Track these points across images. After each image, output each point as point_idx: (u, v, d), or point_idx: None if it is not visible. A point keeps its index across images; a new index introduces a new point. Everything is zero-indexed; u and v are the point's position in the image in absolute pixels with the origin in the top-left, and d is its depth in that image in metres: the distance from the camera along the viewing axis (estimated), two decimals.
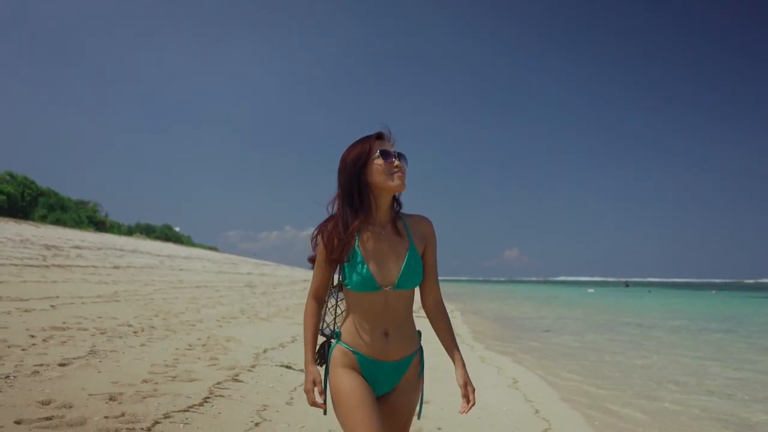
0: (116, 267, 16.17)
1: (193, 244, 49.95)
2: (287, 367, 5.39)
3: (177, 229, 51.55)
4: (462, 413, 1.71)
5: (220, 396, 3.97)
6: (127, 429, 2.97)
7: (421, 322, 2.12)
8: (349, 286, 1.74)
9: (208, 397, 3.87)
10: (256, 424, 3.44)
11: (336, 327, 1.85)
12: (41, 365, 4.15)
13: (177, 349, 5.57)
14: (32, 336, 5.23)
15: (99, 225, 37.76)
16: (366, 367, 1.73)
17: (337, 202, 1.78)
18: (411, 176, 1.80)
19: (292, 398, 4.21)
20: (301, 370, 5.31)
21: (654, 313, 23.02)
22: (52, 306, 7.25)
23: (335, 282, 1.86)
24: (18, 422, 2.90)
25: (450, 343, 1.83)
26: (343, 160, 1.76)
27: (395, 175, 1.73)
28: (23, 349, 4.62)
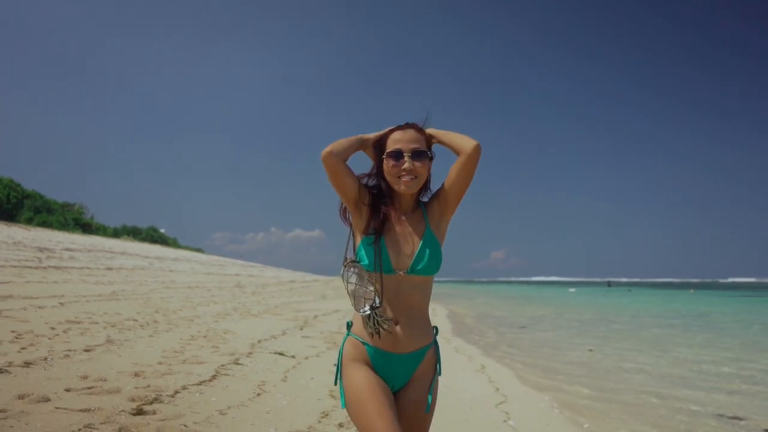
0: (109, 268, 16.69)
1: (179, 245, 50.20)
2: (280, 354, 6.11)
3: (162, 230, 51.73)
4: None
5: (225, 375, 4.68)
6: (155, 394, 3.69)
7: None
8: (364, 266, 1.72)
9: (215, 375, 4.58)
10: (258, 395, 4.17)
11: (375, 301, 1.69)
12: (69, 350, 4.83)
13: (182, 339, 6.26)
14: (53, 328, 5.88)
15: (85, 227, 37.90)
16: (377, 360, 1.69)
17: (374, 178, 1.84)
18: None
19: (286, 377, 4.94)
20: (293, 357, 6.04)
21: (624, 311, 24.10)
22: (60, 303, 7.88)
23: (348, 258, 1.79)
24: (67, 390, 3.59)
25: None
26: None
27: (401, 180, 1.72)
28: (49, 338, 5.29)
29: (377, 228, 1.72)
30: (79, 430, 2.88)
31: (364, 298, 1.68)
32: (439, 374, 1.80)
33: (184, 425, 3.17)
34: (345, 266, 1.74)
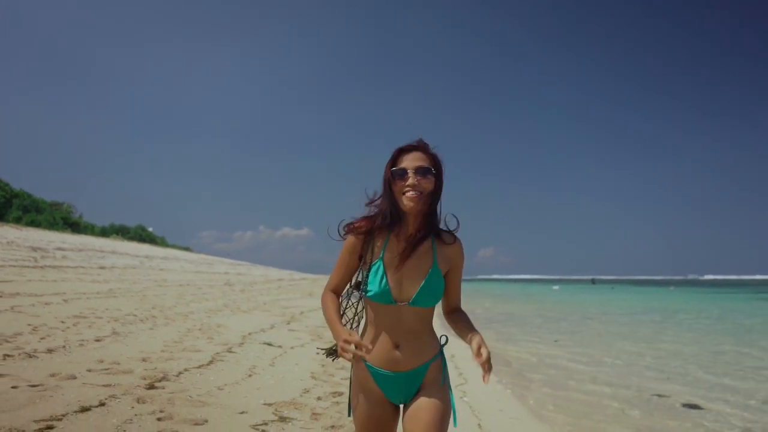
0: (102, 267, 17.22)
1: (167, 244, 50.49)
2: (268, 344, 6.81)
3: (150, 229, 51.97)
4: (484, 383, 1.66)
5: (221, 360, 5.39)
6: (163, 375, 4.39)
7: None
8: (367, 294, 1.77)
9: (212, 361, 5.29)
10: (249, 376, 4.88)
11: (354, 325, 1.86)
12: (82, 340, 5.51)
13: (179, 332, 6.94)
14: (62, 322, 6.53)
15: (73, 226, 38.14)
16: (379, 380, 1.76)
17: (381, 202, 1.81)
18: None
19: (273, 362, 5.66)
20: (280, 346, 6.74)
21: (599, 308, 25.11)
22: (64, 300, 8.50)
23: (353, 281, 1.88)
24: (89, 371, 4.28)
25: (468, 327, 1.79)
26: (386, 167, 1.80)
27: (406, 195, 1.73)
28: (62, 330, 5.95)
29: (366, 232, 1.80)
30: (106, 398, 3.58)
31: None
32: (449, 384, 1.82)
33: (190, 396, 3.88)
34: (347, 290, 1.86)
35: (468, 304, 25.37)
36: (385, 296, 1.72)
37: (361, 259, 1.83)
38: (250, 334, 7.50)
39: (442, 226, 1.84)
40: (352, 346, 1.56)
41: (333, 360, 1.94)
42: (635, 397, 6.08)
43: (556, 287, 72.08)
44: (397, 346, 1.74)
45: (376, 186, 1.83)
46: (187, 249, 53.18)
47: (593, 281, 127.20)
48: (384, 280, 1.72)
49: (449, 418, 1.74)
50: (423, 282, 1.73)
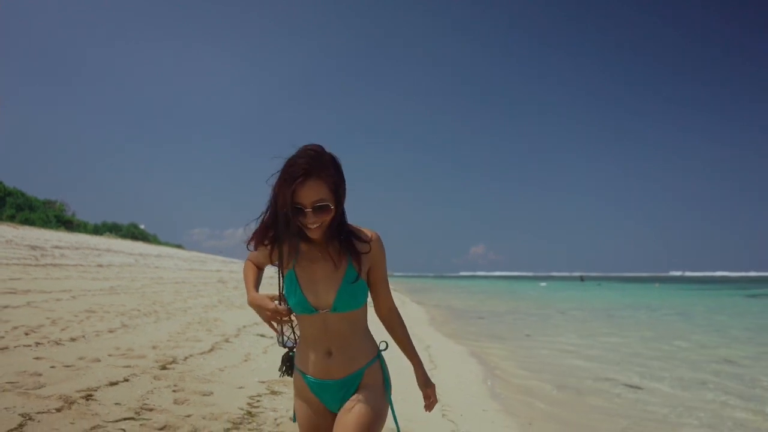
0: (100, 265, 17.88)
1: (159, 242, 50.92)
2: (261, 335, 7.61)
3: (142, 227, 52.39)
4: (427, 411, 1.83)
5: (220, 349, 6.18)
6: (172, 359, 5.18)
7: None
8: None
9: (212, 349, 6.07)
10: (245, 360, 5.68)
11: (296, 339, 1.86)
12: (97, 331, 6.27)
13: (180, 324, 7.71)
14: (76, 316, 7.28)
15: (67, 224, 38.56)
16: (315, 389, 1.76)
17: (269, 213, 1.67)
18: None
19: (266, 350, 6.46)
20: (271, 338, 7.52)
21: (577, 304, 26.12)
22: (72, 297, 9.22)
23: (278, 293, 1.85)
24: (109, 355, 5.06)
25: (407, 348, 1.85)
26: (274, 188, 1.63)
27: (308, 228, 1.63)
28: (78, 323, 6.70)
29: (288, 264, 1.73)
30: (128, 376, 4.36)
31: (284, 336, 1.89)
32: (388, 389, 1.80)
33: (197, 375, 4.68)
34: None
35: (453, 301, 26.29)
36: (303, 306, 1.69)
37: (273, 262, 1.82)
38: (244, 326, 8.29)
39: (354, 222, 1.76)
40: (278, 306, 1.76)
41: (281, 376, 1.94)
42: (584, 380, 6.94)
43: (543, 284, 73.42)
44: (329, 354, 1.72)
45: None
46: (178, 246, 53.61)
47: (581, 278, 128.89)
48: (298, 290, 1.69)
49: (381, 422, 1.71)
50: (339, 287, 1.68)
